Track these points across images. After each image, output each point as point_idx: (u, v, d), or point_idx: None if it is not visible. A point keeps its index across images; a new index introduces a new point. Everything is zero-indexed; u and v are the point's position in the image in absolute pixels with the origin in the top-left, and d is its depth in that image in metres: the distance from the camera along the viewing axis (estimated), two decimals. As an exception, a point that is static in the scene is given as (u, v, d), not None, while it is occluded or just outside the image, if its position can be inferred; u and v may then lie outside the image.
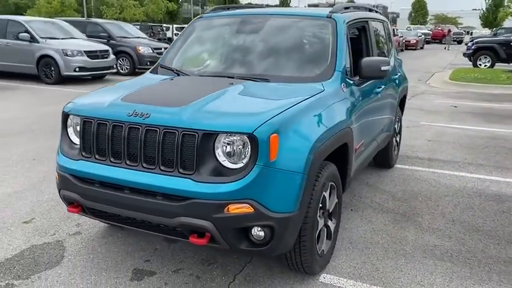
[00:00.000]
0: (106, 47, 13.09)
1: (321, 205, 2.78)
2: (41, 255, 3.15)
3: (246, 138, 2.33)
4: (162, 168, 2.43)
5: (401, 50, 32.01)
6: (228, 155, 2.39)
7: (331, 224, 3.04)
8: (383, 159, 5.05)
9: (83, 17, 30.90)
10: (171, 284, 2.81)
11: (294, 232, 2.50)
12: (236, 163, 2.38)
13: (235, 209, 2.32)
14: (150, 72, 3.66)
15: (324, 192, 2.79)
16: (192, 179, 2.35)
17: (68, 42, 12.35)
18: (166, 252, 3.20)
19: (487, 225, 3.75)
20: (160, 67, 3.67)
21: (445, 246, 3.37)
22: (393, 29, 27.25)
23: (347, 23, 3.51)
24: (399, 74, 4.82)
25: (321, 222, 2.83)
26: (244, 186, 2.31)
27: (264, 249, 2.45)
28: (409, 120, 8.00)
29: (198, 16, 4.19)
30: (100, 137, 2.60)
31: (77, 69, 11.90)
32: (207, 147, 2.38)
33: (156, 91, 2.97)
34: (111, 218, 2.69)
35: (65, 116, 2.84)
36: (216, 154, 2.40)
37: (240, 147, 2.37)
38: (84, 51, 12.10)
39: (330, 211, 3.00)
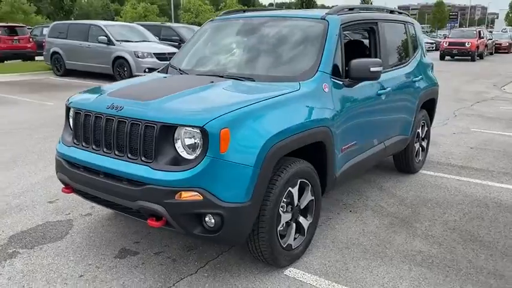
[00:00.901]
0: (175, 50, 13.88)
1: (286, 200, 2.89)
2: (51, 230, 3.58)
3: (199, 131, 2.52)
4: (129, 156, 2.70)
5: (491, 54, 29.90)
6: (187, 146, 2.60)
7: (304, 221, 3.12)
8: (403, 164, 4.93)
9: (171, 21, 32.79)
10: (147, 264, 3.08)
11: (246, 222, 2.64)
12: (191, 154, 2.58)
13: (186, 196, 2.52)
14: (158, 71, 3.98)
15: (290, 188, 2.89)
16: (150, 167, 2.59)
17: (140, 45, 13.29)
18: (156, 236, 3.47)
19: (490, 236, 3.56)
20: (170, 66, 3.98)
21: (430, 252, 3.28)
22: (479, 31, 25.56)
23: (342, 24, 3.54)
24: (420, 76, 4.68)
25: (286, 217, 2.92)
26: (194, 176, 2.50)
27: (215, 236, 2.61)
28: (460, 126, 7.63)
29: (210, 19, 4.44)
30: (86, 126, 2.94)
31: (147, 70, 12.75)
32: (167, 139, 2.61)
33: (140, 88, 3.27)
34: (94, 199, 3.02)
35: (67, 108, 3.23)
36: (176, 145, 2.62)
37: (195, 139, 2.56)
38: (154, 54, 12.94)
39: (302, 208, 3.08)
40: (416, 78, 4.63)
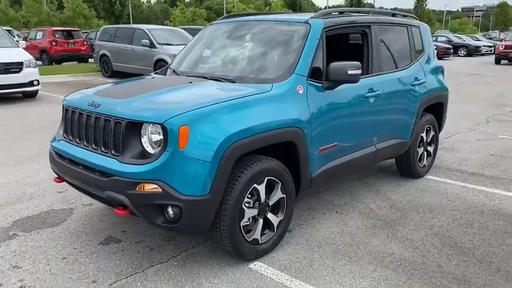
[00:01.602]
0: (214, 52, 14.26)
1: (251, 196, 3.02)
2: (52, 217, 3.91)
3: (160, 127, 2.71)
4: (102, 149, 2.94)
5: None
6: (153, 142, 2.80)
7: (273, 217, 3.22)
8: (405, 168, 4.89)
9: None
10: (126, 251, 3.31)
11: (204, 215, 2.79)
12: (155, 149, 2.78)
13: (147, 188, 2.71)
14: (156, 73, 4.23)
15: (256, 185, 3.01)
16: (118, 160, 2.82)
17: (180, 48, 13.75)
18: (142, 227, 3.71)
19: (471, 242, 3.49)
20: (168, 68, 4.22)
21: (402, 255, 3.28)
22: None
23: (325, 28, 3.61)
24: (421, 80, 4.62)
25: (251, 212, 3.04)
26: (153, 169, 2.69)
27: (175, 226, 2.79)
28: (488, 132, 7.36)
29: (210, 23, 4.64)
30: (72, 122, 3.23)
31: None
32: (134, 134, 2.82)
33: (123, 87, 3.52)
34: (78, 189, 3.30)
35: (63, 106, 3.54)
36: (142, 140, 2.83)
37: (160, 135, 2.76)
38: (193, 56, 13.37)
39: (271, 204, 3.19)
40: (417, 82, 4.57)
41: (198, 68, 3.95)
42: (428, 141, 5.06)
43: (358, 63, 3.45)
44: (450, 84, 5.52)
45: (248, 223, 3.08)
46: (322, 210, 4.10)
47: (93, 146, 3.01)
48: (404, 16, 4.91)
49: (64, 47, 19.97)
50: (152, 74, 4.21)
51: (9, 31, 19.66)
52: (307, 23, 3.62)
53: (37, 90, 10.79)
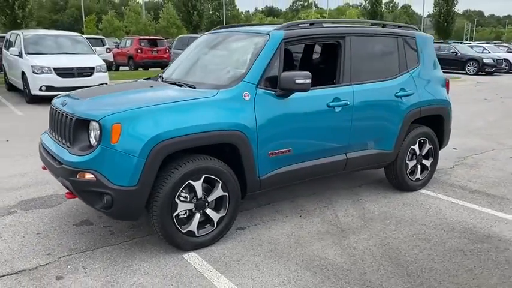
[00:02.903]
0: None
1: (188, 191, 3.32)
2: (51, 200, 4.53)
3: (97, 124, 3.13)
4: (62, 141, 3.44)
5: None
6: (94, 136, 3.23)
7: (213, 213, 3.48)
8: (393, 180, 4.82)
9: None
10: (92, 232, 3.79)
11: (134, 203, 3.15)
12: (96, 143, 3.21)
13: (85, 176, 3.14)
14: (145, 79, 4.71)
15: (191, 181, 3.31)
16: (68, 151, 3.29)
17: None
18: (118, 214, 4.16)
19: (415, 257, 3.43)
20: (158, 75, 4.67)
21: (333, 261, 3.34)
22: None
23: (285, 39, 3.80)
24: (410, 91, 4.53)
25: (185, 206, 3.34)
26: (89, 160, 3.12)
27: (110, 211, 3.19)
28: (526, 151, 6.83)
29: (203, 33, 5.01)
30: (50, 117, 3.79)
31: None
32: (83, 129, 3.28)
33: (99, 89, 4.01)
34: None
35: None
36: (89, 134, 3.27)
37: (98, 131, 3.18)
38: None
39: (210, 201, 3.45)
40: (403, 93, 4.51)
41: (174, 74, 4.33)
42: (424, 154, 4.92)
43: (307, 73, 3.59)
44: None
45: (185, 216, 3.38)
46: (287, 213, 4.25)
47: (59, 138, 3.53)
48: (399, 27, 4.86)
49: (148, 54, 21.66)
50: (141, 79, 4.70)
51: (101, 40, 21.86)
52: (268, 34, 3.84)
53: (105, 93, 11.97)
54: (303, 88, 3.59)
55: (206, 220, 3.51)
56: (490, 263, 3.36)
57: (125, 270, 3.19)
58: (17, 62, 11.57)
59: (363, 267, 3.26)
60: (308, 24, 4.11)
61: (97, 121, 3.12)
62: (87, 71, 11.28)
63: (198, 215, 3.44)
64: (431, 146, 4.96)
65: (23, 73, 11.00)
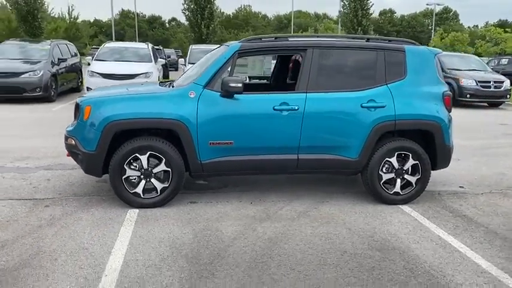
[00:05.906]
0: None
1: (133, 161, 4.43)
2: (70, 165, 5.89)
3: (78, 105, 4.52)
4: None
5: None
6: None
7: (157, 183, 4.50)
8: (368, 189, 4.91)
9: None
10: (76, 185, 5.20)
11: (94, 164, 4.43)
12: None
13: (70, 141, 4.56)
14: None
15: (137, 154, 4.41)
16: (70, 124, 4.76)
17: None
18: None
19: (282, 258, 3.64)
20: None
21: (182, 239, 3.91)
22: None
23: (239, 51, 4.55)
24: (381, 103, 4.58)
25: (133, 173, 4.45)
26: (72, 130, 4.56)
27: (82, 167, 4.55)
28: None
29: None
30: (85, 103, 5.40)
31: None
32: (77, 110, 4.70)
33: (111, 87, 5.42)
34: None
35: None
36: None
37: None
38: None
39: (155, 172, 4.47)
40: (372, 105, 4.62)
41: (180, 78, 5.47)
42: (406, 169, 4.84)
43: (240, 78, 4.31)
44: None
45: (135, 181, 4.49)
46: (243, 199, 4.90)
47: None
48: (389, 41, 4.94)
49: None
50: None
51: (158, 49, 22.19)
52: (228, 45, 4.65)
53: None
54: (236, 91, 4.32)
55: (154, 188, 4.53)
56: None
57: (86, 209, 4.50)
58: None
59: (186, 252, 3.77)
60: (273, 38, 4.73)
61: (78, 104, 4.51)
62: (128, 76, 11.63)
63: (143, 181, 4.50)
64: (418, 162, 4.84)
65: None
